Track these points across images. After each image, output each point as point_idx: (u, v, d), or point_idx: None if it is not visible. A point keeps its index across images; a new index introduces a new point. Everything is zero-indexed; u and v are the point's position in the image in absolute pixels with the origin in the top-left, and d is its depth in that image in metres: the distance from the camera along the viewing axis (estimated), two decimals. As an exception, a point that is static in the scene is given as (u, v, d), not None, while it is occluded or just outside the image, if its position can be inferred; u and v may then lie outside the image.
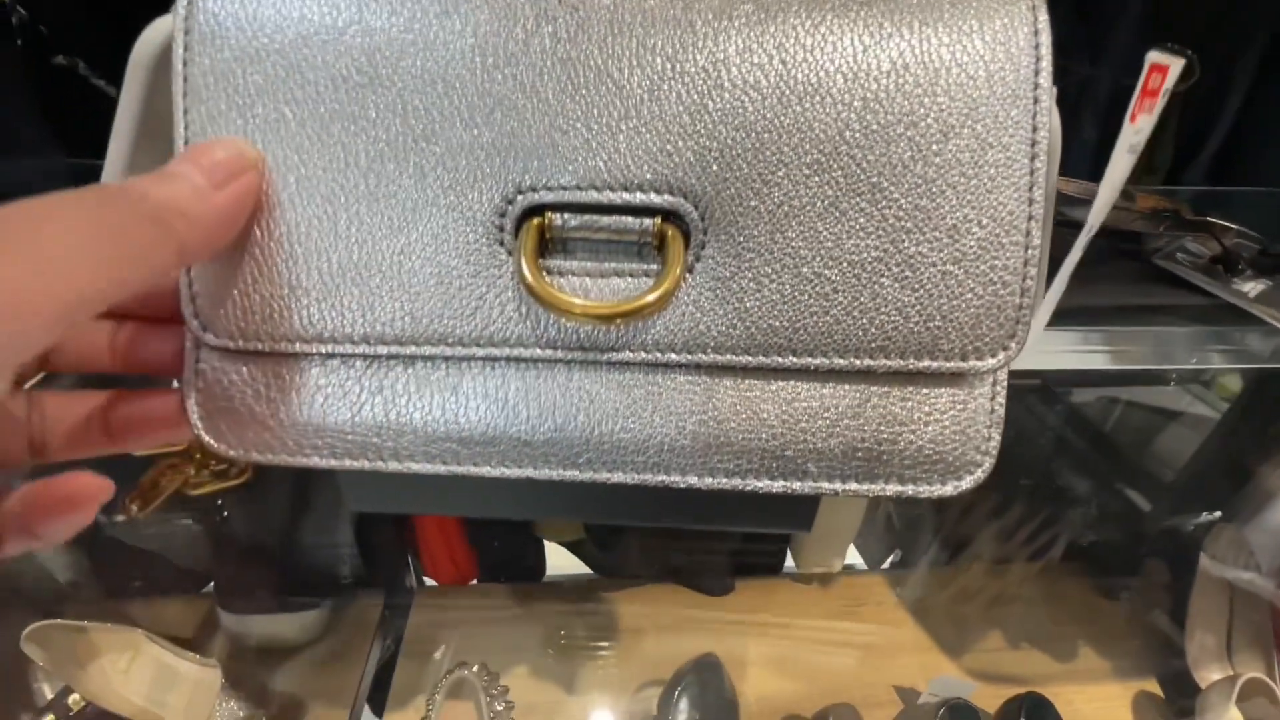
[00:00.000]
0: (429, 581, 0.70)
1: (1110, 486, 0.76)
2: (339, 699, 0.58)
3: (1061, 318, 0.35)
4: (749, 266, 0.17)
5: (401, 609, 0.67)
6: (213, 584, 0.62)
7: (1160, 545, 0.74)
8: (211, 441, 0.17)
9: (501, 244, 0.17)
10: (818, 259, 0.17)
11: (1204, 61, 0.58)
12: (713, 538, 0.68)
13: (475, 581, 0.71)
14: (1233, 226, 0.39)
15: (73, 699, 0.51)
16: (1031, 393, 0.72)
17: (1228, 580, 0.62)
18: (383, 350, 0.17)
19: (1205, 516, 0.71)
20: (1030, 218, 0.17)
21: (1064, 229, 0.42)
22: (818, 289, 0.17)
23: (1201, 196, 0.57)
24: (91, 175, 0.18)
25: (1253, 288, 0.35)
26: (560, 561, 0.72)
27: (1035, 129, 0.16)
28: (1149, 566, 0.76)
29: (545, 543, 0.70)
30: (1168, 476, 0.74)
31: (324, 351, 0.17)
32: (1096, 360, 0.34)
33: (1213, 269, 0.37)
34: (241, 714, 0.54)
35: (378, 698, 0.61)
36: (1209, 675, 0.62)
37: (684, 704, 0.56)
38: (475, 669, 0.56)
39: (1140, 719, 0.63)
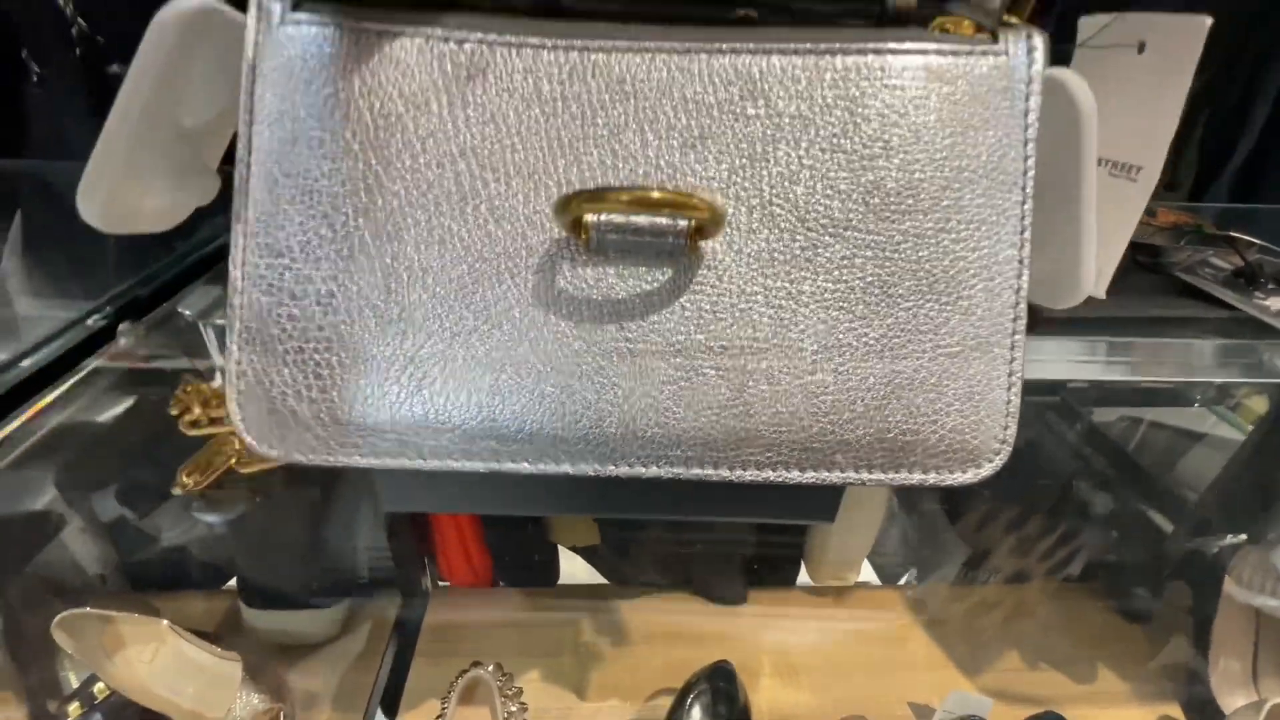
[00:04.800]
0: (445, 583, 0.71)
1: (1132, 507, 0.75)
2: (355, 696, 0.59)
3: (1081, 327, 0.35)
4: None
5: (418, 610, 0.68)
6: (235, 579, 0.63)
7: (1183, 568, 0.73)
8: (254, 443, 0.18)
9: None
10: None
11: (1228, 79, 0.59)
12: (727, 546, 0.68)
13: (491, 585, 0.71)
14: (1255, 241, 0.40)
15: (98, 687, 0.52)
16: (1052, 410, 0.72)
17: (1253, 605, 0.60)
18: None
19: (1229, 539, 0.70)
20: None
21: None
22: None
23: (1224, 213, 0.57)
24: None
25: (1276, 303, 0.35)
26: (573, 569, 0.72)
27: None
28: (1171, 589, 0.74)
29: (559, 549, 0.70)
30: (1191, 498, 0.73)
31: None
32: (1116, 372, 0.35)
33: (1235, 282, 0.37)
34: (261, 707, 0.55)
35: (392, 696, 0.62)
36: (1233, 701, 0.60)
37: (696, 712, 0.56)
38: (491, 669, 0.56)
39: (1163, 744, 0.62)
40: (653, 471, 0.18)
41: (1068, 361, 0.34)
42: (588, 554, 0.70)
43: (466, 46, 0.18)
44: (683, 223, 0.17)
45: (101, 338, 0.30)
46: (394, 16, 0.18)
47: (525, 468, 0.18)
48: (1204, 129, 0.60)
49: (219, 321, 0.32)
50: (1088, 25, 0.31)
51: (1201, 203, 0.60)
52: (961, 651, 0.68)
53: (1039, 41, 0.19)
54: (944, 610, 0.73)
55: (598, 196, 0.17)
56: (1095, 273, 0.21)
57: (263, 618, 0.62)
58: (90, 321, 0.30)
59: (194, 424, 0.23)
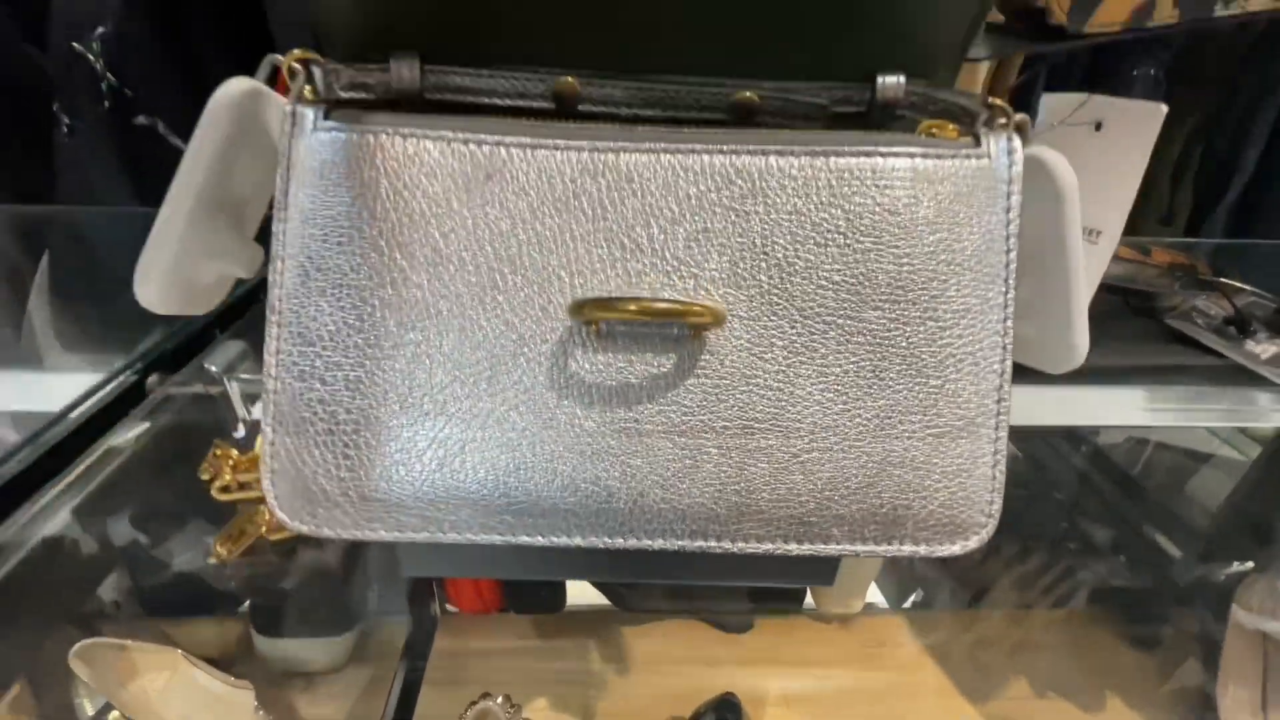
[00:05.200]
0: (453, 609, 0.72)
1: (1137, 531, 0.75)
2: (365, 725, 0.59)
3: (1073, 378, 0.36)
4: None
5: (426, 636, 0.68)
6: (248, 606, 0.64)
7: (1191, 594, 0.73)
8: (286, 519, 0.19)
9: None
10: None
11: (1223, 112, 0.60)
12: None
13: (499, 611, 0.72)
14: (1245, 288, 0.40)
15: (113, 715, 0.53)
16: (1056, 431, 0.72)
17: (1262, 632, 0.60)
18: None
19: (1237, 566, 0.70)
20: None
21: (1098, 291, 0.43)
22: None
23: (1220, 250, 0.58)
24: None
25: (1265, 349, 0.36)
26: (580, 592, 0.73)
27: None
28: (1179, 616, 0.74)
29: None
30: (1198, 522, 0.73)
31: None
32: (1109, 419, 0.35)
33: (1225, 330, 0.38)
34: (273, 736, 0.56)
35: (402, 725, 0.62)
36: (1242, 731, 0.60)
37: (703, 743, 0.56)
38: (500, 700, 0.57)
39: (1170, 775, 0.61)
40: (659, 544, 0.20)
41: (1056, 410, 0.35)
42: (595, 581, 0.70)
43: (484, 148, 0.19)
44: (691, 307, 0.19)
45: (131, 394, 0.32)
46: (418, 121, 0.19)
47: (539, 540, 0.19)
48: (1199, 163, 0.61)
49: (244, 376, 0.33)
50: (1049, 102, 0.35)
51: (1197, 237, 0.61)
52: (969, 679, 0.68)
53: (1018, 144, 0.20)
54: (951, 637, 0.73)
55: (607, 305, 0.18)
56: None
57: (274, 645, 0.63)
58: (121, 379, 0.32)
59: (224, 489, 0.25)
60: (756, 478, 0.20)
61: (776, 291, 0.20)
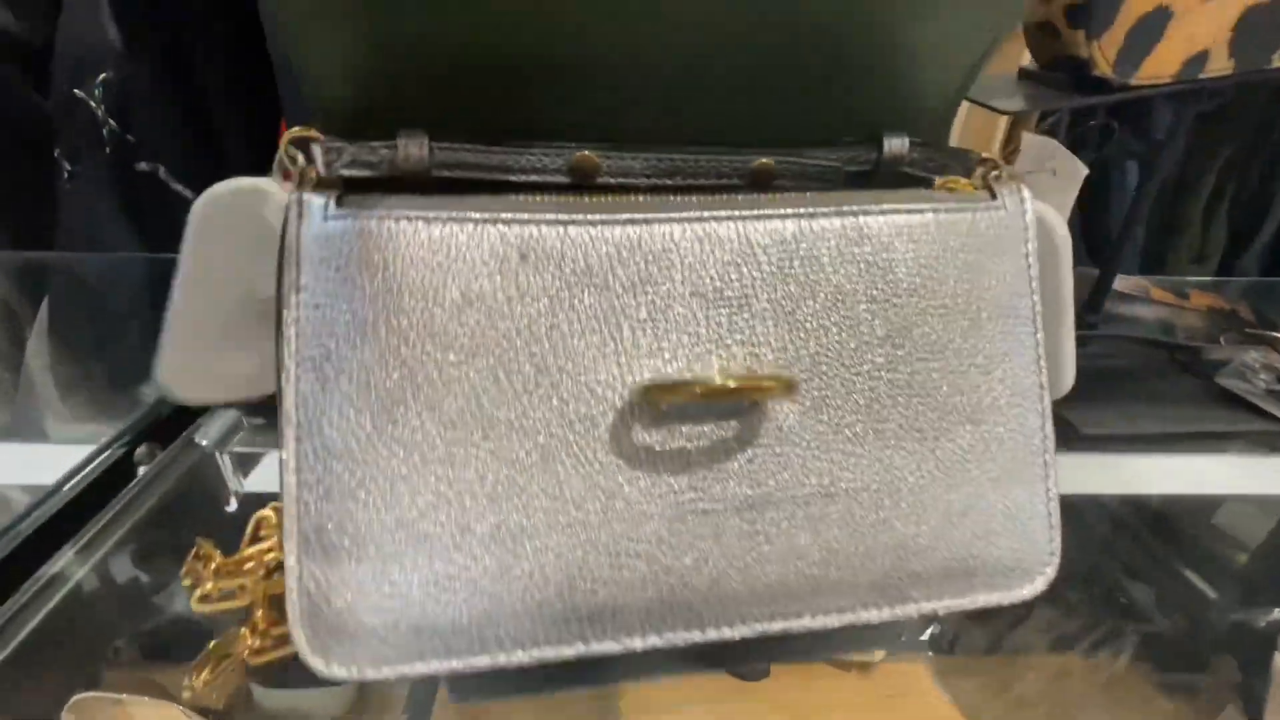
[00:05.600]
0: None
1: (1171, 569, 0.71)
2: (366, 785, 0.57)
3: (1121, 444, 0.34)
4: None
5: (430, 686, 0.66)
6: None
7: (1230, 639, 0.69)
8: (323, 666, 0.17)
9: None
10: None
11: (1256, 147, 0.58)
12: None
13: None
14: (1297, 342, 0.38)
15: (108, 774, 0.51)
16: (1105, 500, 0.70)
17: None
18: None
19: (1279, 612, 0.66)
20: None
21: (1132, 344, 0.41)
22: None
23: (1253, 287, 0.56)
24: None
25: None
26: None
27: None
28: (1218, 663, 0.71)
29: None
30: (1238, 560, 0.70)
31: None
32: (1158, 487, 0.33)
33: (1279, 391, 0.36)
34: (270, 800, 0.53)
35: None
36: (1291, 796, 0.57)
37: (719, 809, 0.53)
38: (505, 762, 0.54)
39: (1216, 842, 0.58)
40: (740, 632, 0.18)
41: (1102, 478, 0.33)
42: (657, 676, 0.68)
43: (515, 229, 0.18)
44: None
45: (121, 466, 0.30)
46: (439, 204, 0.17)
47: (612, 647, 0.18)
48: (1230, 201, 0.59)
49: (237, 449, 0.31)
50: (1027, 141, 0.37)
51: (1231, 276, 0.59)
52: (995, 731, 0.65)
53: (1028, 194, 0.21)
54: (976, 685, 0.70)
55: (673, 390, 0.17)
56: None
57: (274, 696, 0.61)
58: (109, 453, 0.30)
59: (204, 599, 0.22)
60: (830, 547, 0.19)
61: (826, 353, 0.19)
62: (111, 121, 0.47)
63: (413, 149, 0.18)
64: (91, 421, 0.43)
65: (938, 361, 0.20)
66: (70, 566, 0.27)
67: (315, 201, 0.17)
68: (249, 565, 0.23)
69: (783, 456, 0.19)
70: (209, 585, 0.21)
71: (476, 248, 0.17)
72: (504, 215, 0.17)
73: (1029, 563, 0.21)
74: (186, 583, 0.22)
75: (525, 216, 0.18)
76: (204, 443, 0.32)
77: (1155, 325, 0.48)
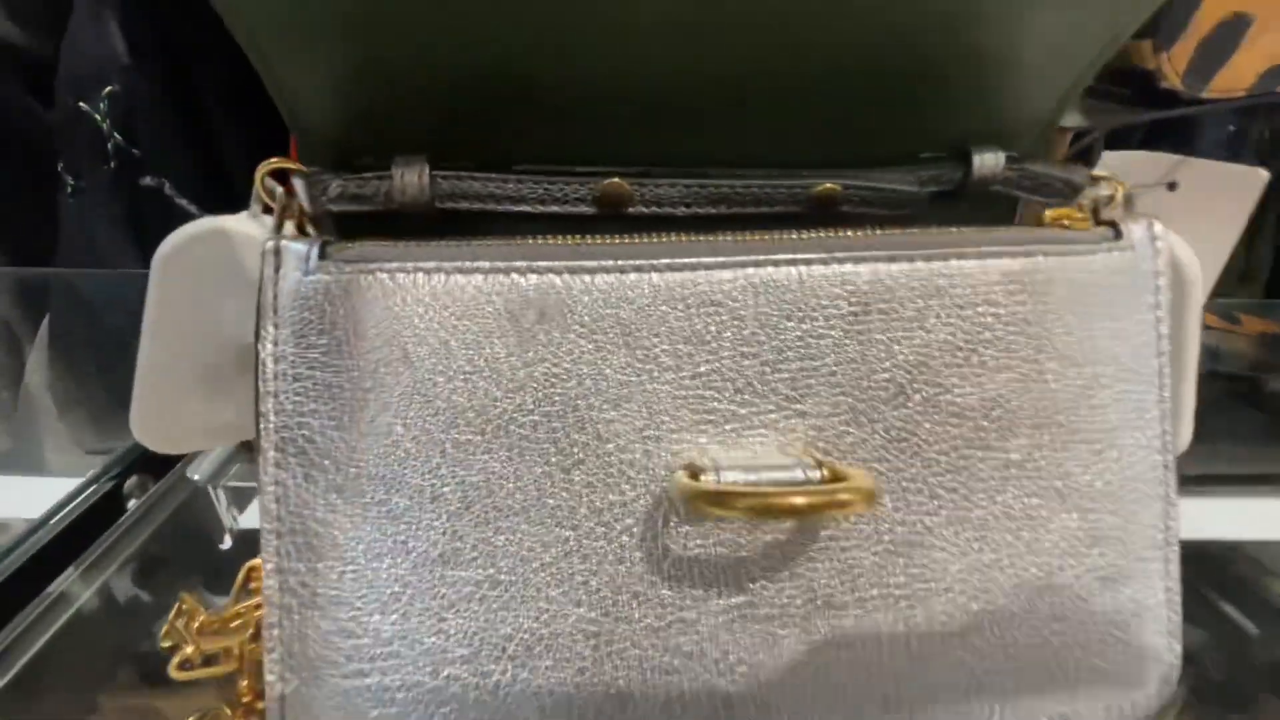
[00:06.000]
0: None
1: (1207, 602, 0.68)
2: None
3: (1183, 487, 0.31)
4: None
5: None
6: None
7: (1274, 678, 0.65)
8: None
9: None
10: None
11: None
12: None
13: None
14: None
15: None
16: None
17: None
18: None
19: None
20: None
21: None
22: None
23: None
24: None
25: None
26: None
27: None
28: (1263, 702, 0.67)
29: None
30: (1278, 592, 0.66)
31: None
32: (1210, 532, 0.31)
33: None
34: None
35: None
36: None
37: None
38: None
39: None
40: None
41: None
42: None
43: (530, 279, 0.15)
44: (815, 473, 0.15)
45: (110, 500, 0.28)
46: (443, 251, 0.15)
47: None
48: (1277, 217, 0.56)
49: (232, 484, 0.30)
50: (1112, 160, 0.32)
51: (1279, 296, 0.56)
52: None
53: (1160, 229, 0.17)
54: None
55: (722, 501, 0.14)
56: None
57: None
58: (96, 487, 0.28)
59: (184, 665, 0.20)
60: (903, 659, 0.16)
61: (902, 427, 0.16)
62: (116, 135, 0.46)
63: (411, 178, 0.16)
64: (91, 442, 0.42)
65: (1041, 436, 0.16)
66: (50, 609, 0.25)
67: (295, 250, 0.14)
68: (236, 623, 0.21)
69: (848, 554, 0.16)
70: (189, 650, 0.19)
71: (487, 303, 0.15)
72: (518, 263, 0.15)
73: (1141, 673, 0.17)
74: (166, 644, 0.20)
75: (544, 264, 0.15)
76: (197, 477, 0.30)
77: (1204, 351, 0.45)
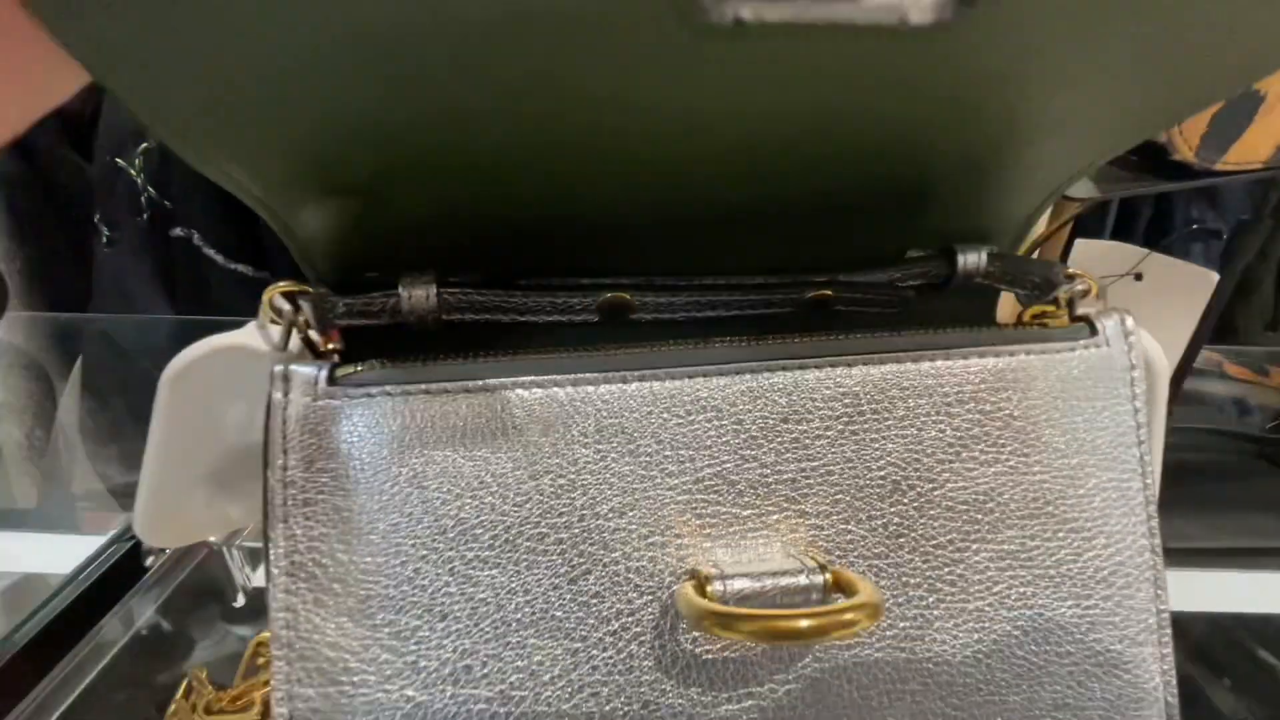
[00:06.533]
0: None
1: (1252, 655, 0.65)
2: None
3: (1207, 559, 0.30)
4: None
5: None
6: None
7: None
8: None
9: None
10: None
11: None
12: None
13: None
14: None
15: None
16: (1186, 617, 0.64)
17: None
18: None
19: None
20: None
21: (1213, 436, 0.38)
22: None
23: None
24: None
25: None
26: None
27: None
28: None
29: None
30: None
31: None
32: (1242, 605, 0.30)
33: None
34: None
35: None
36: None
37: None
38: None
39: None
40: None
41: (1190, 594, 0.29)
42: None
43: (535, 393, 0.15)
44: (819, 578, 0.15)
45: (129, 560, 0.29)
46: (449, 371, 0.15)
47: None
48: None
49: (247, 544, 0.30)
50: (1082, 249, 0.34)
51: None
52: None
53: (1131, 323, 0.18)
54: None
55: (727, 624, 0.14)
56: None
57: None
58: (115, 547, 0.29)
59: None
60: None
61: (900, 523, 0.16)
62: (150, 189, 0.48)
63: (418, 295, 0.16)
64: (122, 488, 0.43)
65: (1033, 526, 0.17)
66: (70, 674, 0.26)
67: (303, 375, 0.15)
68: (243, 700, 0.21)
69: (856, 651, 0.16)
70: None
71: (493, 419, 0.15)
72: (523, 379, 0.15)
73: None
74: None
75: (547, 378, 0.15)
76: (213, 538, 0.30)
77: (1231, 405, 0.44)
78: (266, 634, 0.23)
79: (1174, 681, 0.18)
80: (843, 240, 0.19)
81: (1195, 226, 0.53)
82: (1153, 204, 0.53)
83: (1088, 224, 0.54)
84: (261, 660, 0.22)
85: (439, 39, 0.12)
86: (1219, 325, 0.57)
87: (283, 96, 0.13)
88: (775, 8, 0.12)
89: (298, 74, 0.13)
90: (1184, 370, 0.34)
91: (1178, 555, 0.32)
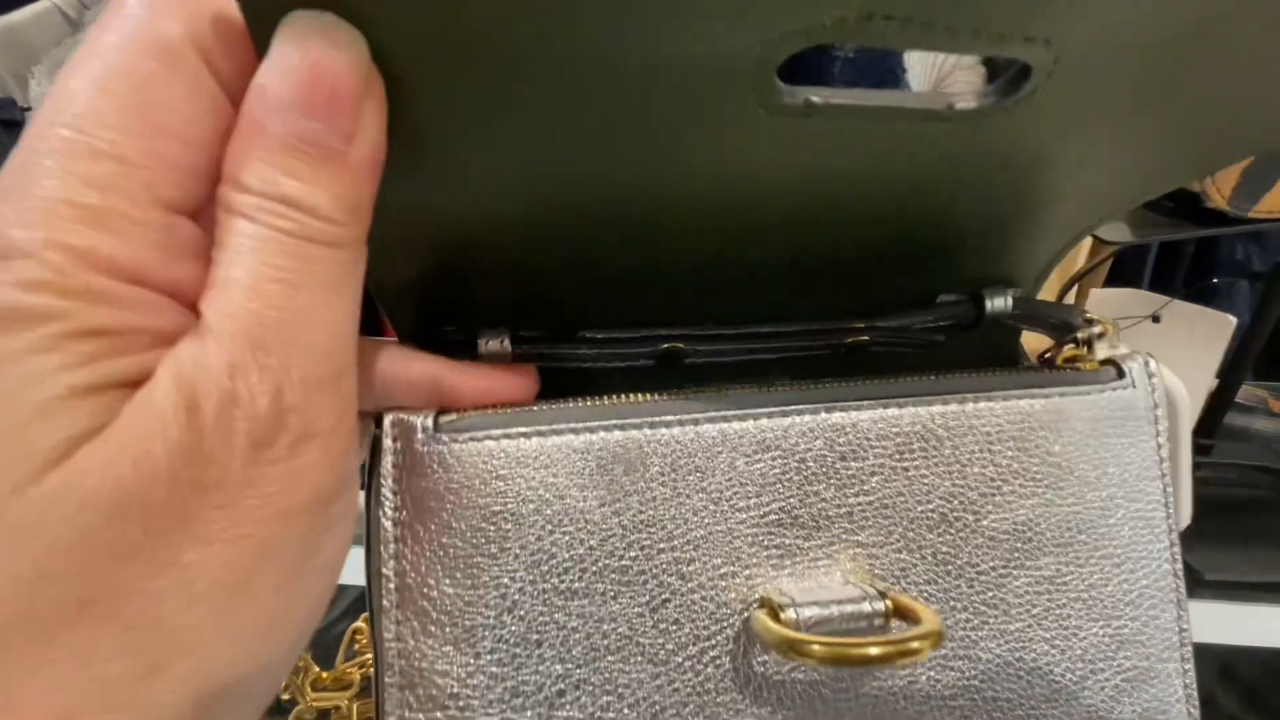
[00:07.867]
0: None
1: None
2: None
3: (1248, 593, 0.30)
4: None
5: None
6: None
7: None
8: None
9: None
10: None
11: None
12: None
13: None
14: None
15: None
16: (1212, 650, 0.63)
17: None
18: None
19: None
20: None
21: (1256, 472, 0.38)
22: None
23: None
24: None
25: None
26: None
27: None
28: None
29: None
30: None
31: None
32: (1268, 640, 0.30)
33: None
34: None
35: None
36: None
37: None
38: None
39: None
40: None
41: (1231, 628, 0.29)
42: None
43: (615, 435, 0.17)
44: (880, 605, 0.17)
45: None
46: (534, 416, 0.17)
47: None
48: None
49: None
50: (1098, 296, 0.36)
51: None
52: None
53: (1154, 365, 0.20)
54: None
55: (802, 649, 0.15)
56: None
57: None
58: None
59: (300, 717, 0.23)
60: None
61: (948, 553, 0.18)
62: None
63: (494, 347, 0.18)
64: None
65: (1068, 554, 0.18)
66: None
67: (412, 423, 0.16)
68: (343, 680, 0.23)
69: (912, 671, 0.17)
70: (301, 705, 0.22)
71: (581, 459, 0.17)
72: (608, 422, 0.17)
73: None
74: (285, 696, 0.22)
75: (629, 421, 0.17)
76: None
77: (1277, 441, 0.43)
78: (360, 623, 0.25)
79: (1195, 695, 0.19)
80: (878, 287, 0.21)
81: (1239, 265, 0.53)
82: (1195, 242, 0.53)
83: (1130, 260, 0.54)
84: (357, 646, 0.24)
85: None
86: (1270, 362, 0.56)
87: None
88: (840, 94, 0.15)
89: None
90: (1221, 404, 0.35)
91: (1221, 589, 0.32)
